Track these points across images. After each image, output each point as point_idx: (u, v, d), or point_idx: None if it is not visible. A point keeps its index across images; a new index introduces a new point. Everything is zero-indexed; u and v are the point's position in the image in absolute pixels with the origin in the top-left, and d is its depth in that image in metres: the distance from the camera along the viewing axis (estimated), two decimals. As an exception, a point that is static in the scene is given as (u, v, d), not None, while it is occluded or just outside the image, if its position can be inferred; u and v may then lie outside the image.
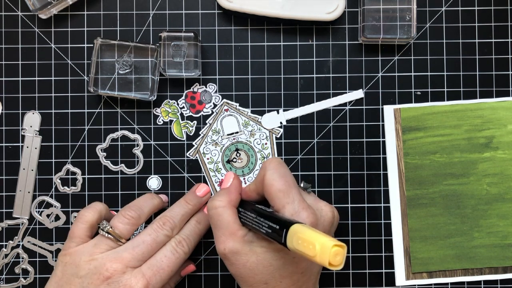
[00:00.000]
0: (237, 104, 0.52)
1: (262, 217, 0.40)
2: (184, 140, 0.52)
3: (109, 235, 0.44)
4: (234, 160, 0.52)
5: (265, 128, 0.52)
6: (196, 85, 0.52)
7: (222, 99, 0.52)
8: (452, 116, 0.52)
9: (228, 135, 0.52)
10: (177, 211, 0.47)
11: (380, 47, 0.52)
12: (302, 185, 0.47)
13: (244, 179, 0.52)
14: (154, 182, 0.52)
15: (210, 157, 0.52)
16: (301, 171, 0.52)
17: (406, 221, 0.52)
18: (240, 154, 0.52)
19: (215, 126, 0.52)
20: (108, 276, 0.42)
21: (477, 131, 0.52)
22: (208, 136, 0.52)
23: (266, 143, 0.52)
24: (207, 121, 0.52)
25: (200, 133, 0.52)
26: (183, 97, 0.52)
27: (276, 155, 0.52)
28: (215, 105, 0.52)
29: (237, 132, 0.52)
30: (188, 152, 0.52)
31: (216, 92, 0.52)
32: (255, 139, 0.52)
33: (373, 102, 0.52)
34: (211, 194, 0.51)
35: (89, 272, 0.43)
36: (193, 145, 0.52)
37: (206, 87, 0.52)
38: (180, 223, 0.47)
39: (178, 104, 0.52)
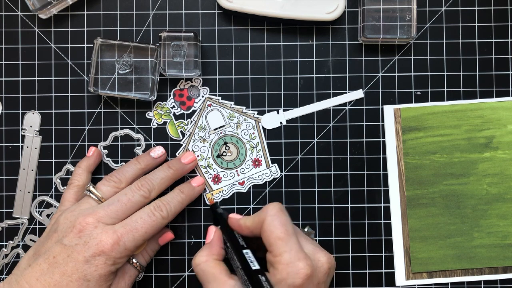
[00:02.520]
0: (220, 98, 0.52)
1: (246, 276, 0.42)
2: (180, 140, 0.52)
3: (91, 195, 0.46)
4: (224, 154, 0.52)
5: (250, 118, 0.52)
6: (182, 81, 0.52)
7: (208, 92, 0.52)
8: (452, 116, 0.52)
9: (214, 129, 0.52)
10: (158, 174, 0.48)
11: (380, 47, 0.52)
12: (306, 229, 0.47)
13: (236, 171, 0.52)
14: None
15: (200, 154, 0.52)
16: (301, 171, 0.52)
17: (406, 221, 0.52)
18: (229, 147, 0.52)
19: (200, 122, 0.52)
20: (80, 229, 0.44)
21: (477, 131, 0.52)
22: (195, 134, 0.52)
23: (253, 133, 0.52)
24: (191, 119, 0.52)
25: (186, 132, 0.52)
26: (171, 96, 0.52)
27: (265, 143, 0.52)
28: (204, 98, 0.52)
29: (223, 126, 0.52)
30: (177, 152, 0.52)
31: (201, 85, 0.52)
32: (242, 130, 0.52)
33: (373, 102, 0.52)
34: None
35: (65, 226, 0.45)
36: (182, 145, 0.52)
37: (192, 82, 0.52)
38: (159, 186, 0.48)
39: (167, 104, 0.52)
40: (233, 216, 0.47)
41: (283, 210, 0.44)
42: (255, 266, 0.42)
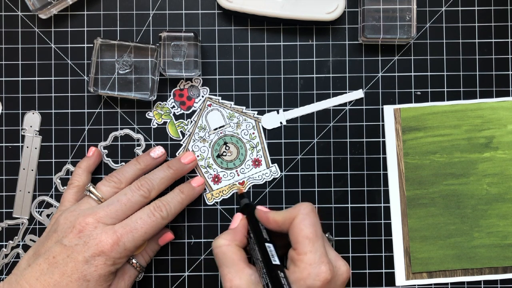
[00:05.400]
0: (220, 98, 0.52)
1: (266, 269, 0.42)
2: (180, 140, 0.52)
3: (91, 195, 0.47)
4: (224, 154, 0.52)
5: (250, 118, 0.52)
6: (182, 81, 0.52)
7: (208, 92, 0.52)
8: (452, 116, 0.52)
9: (214, 129, 0.52)
10: (158, 174, 0.48)
11: (380, 47, 0.52)
12: (326, 235, 0.47)
13: (236, 171, 0.52)
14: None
15: (200, 154, 0.52)
16: (301, 171, 0.52)
17: (406, 221, 0.52)
18: (229, 147, 0.52)
19: (200, 122, 0.52)
20: (80, 229, 0.44)
21: (477, 131, 0.52)
22: (195, 134, 0.52)
23: (253, 133, 0.52)
24: (191, 119, 0.52)
25: (186, 132, 0.52)
26: (171, 97, 0.52)
27: (265, 143, 0.52)
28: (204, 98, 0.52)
29: (223, 126, 0.52)
30: (177, 152, 0.52)
31: (201, 85, 0.52)
32: (242, 130, 0.52)
33: (373, 102, 0.52)
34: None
35: (65, 226, 0.45)
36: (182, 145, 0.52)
37: (192, 82, 0.52)
38: (159, 186, 0.48)
39: (167, 104, 0.52)
40: (261, 208, 0.47)
41: (315, 211, 0.44)
42: (275, 261, 0.42)
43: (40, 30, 0.52)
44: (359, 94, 0.52)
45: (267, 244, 0.44)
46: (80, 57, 0.52)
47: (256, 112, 0.52)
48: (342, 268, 0.43)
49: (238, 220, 0.47)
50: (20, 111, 0.52)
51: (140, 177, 0.48)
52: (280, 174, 0.52)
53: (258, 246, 0.44)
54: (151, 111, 0.52)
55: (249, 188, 0.52)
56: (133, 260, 0.47)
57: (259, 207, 0.47)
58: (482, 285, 0.52)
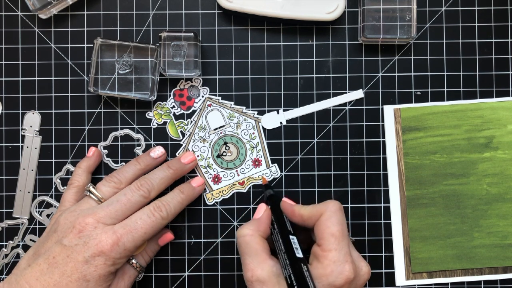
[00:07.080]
0: (220, 98, 0.52)
1: (289, 261, 0.42)
2: (180, 140, 0.52)
3: (91, 195, 0.47)
4: (224, 154, 0.52)
5: (250, 118, 0.52)
6: (182, 81, 0.52)
7: (208, 92, 0.52)
8: (452, 116, 0.52)
9: (214, 129, 0.52)
10: (158, 174, 0.48)
11: (380, 47, 0.52)
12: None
13: (236, 171, 0.52)
14: (154, 182, 0.52)
15: (200, 154, 0.52)
16: (301, 171, 0.52)
17: (406, 221, 0.52)
18: (229, 147, 0.52)
19: (200, 122, 0.52)
20: (80, 229, 0.44)
21: (477, 131, 0.52)
22: (195, 134, 0.52)
23: (253, 133, 0.52)
24: (191, 119, 0.52)
25: (186, 132, 0.52)
26: (171, 97, 0.52)
27: (265, 143, 0.52)
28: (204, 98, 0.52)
29: (223, 126, 0.52)
30: (177, 152, 0.52)
31: (201, 85, 0.52)
32: (242, 130, 0.52)
33: (373, 102, 0.52)
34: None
35: (65, 226, 0.45)
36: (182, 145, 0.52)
37: (192, 82, 0.52)
38: (159, 186, 0.48)
39: (167, 104, 0.52)
40: (287, 201, 0.47)
41: (342, 209, 0.44)
42: (299, 254, 0.42)
43: (40, 30, 0.52)
44: (359, 94, 0.52)
45: (291, 237, 0.44)
46: (80, 57, 0.52)
47: (256, 112, 0.52)
48: (364, 269, 0.43)
49: (262, 210, 0.47)
50: (20, 111, 0.52)
51: (140, 177, 0.48)
52: (280, 174, 0.52)
53: (281, 238, 0.44)
54: (151, 111, 0.52)
55: (249, 188, 0.52)
56: (133, 261, 0.47)
57: (285, 199, 0.47)
58: (482, 285, 0.52)
